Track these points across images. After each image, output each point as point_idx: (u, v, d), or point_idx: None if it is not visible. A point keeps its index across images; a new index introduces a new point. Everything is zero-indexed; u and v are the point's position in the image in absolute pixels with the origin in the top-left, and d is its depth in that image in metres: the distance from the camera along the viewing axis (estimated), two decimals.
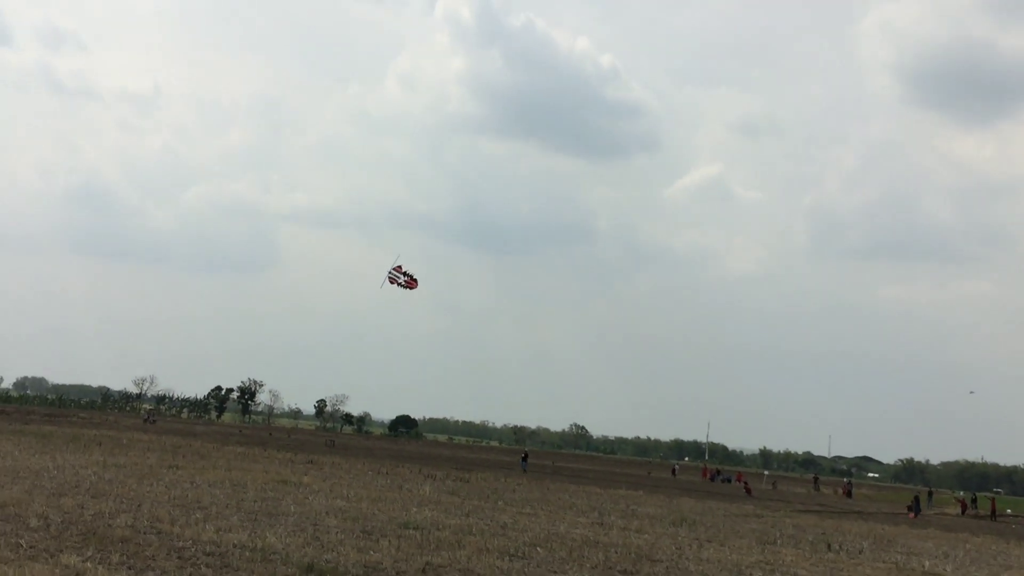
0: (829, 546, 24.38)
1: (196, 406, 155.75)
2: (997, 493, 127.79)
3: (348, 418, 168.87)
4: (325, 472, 34.21)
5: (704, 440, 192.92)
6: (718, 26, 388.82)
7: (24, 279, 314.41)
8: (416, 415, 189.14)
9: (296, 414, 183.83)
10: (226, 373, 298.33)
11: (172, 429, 71.22)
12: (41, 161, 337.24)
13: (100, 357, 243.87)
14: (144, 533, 14.61)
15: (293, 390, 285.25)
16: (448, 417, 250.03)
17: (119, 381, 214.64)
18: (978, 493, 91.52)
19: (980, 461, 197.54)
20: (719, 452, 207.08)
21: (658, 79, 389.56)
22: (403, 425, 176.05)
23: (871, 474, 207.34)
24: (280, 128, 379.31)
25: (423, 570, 13.65)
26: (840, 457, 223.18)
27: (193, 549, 13.50)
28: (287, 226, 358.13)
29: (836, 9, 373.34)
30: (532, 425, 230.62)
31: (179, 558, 12.77)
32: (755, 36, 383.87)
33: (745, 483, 71.21)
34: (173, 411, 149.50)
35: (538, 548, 17.35)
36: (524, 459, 63.69)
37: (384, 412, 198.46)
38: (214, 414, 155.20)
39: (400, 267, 46.10)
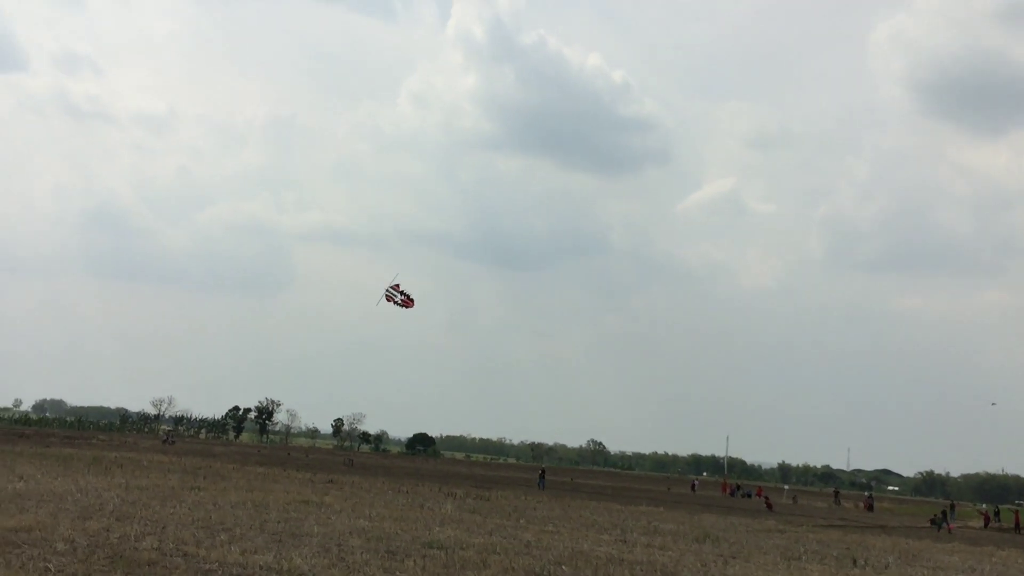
0: (855, 561, 24.17)
1: (214, 426, 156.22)
2: (1020, 505, 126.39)
3: (365, 437, 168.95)
4: (346, 492, 34.20)
5: (721, 455, 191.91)
6: (729, 40, 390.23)
7: (42, 302, 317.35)
8: (433, 433, 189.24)
9: (313, 433, 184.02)
10: (243, 393, 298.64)
11: (191, 450, 71.40)
12: (58, 184, 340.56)
13: (118, 378, 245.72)
14: (170, 556, 14.63)
15: (310, 409, 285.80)
16: (465, 434, 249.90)
17: (137, 402, 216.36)
18: (1000, 506, 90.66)
19: (1001, 473, 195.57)
20: (737, 466, 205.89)
21: (670, 93, 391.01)
22: (420, 443, 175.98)
23: (891, 487, 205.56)
24: (294, 147, 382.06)
25: None
26: (859, 470, 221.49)
27: (220, 572, 13.50)
28: (302, 245, 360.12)
29: (847, 21, 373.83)
30: (549, 441, 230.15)
31: None
32: (766, 49, 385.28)
33: (766, 498, 70.77)
34: (191, 432, 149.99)
35: (563, 567, 17.26)
36: (541, 477, 63.50)
37: (401, 430, 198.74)
38: (232, 434, 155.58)
39: (398, 286, 46.11)
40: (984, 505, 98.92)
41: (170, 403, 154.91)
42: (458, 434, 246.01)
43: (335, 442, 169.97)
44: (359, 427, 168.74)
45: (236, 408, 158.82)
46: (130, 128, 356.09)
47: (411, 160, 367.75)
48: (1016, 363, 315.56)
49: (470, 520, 26.15)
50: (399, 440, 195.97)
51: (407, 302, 46.03)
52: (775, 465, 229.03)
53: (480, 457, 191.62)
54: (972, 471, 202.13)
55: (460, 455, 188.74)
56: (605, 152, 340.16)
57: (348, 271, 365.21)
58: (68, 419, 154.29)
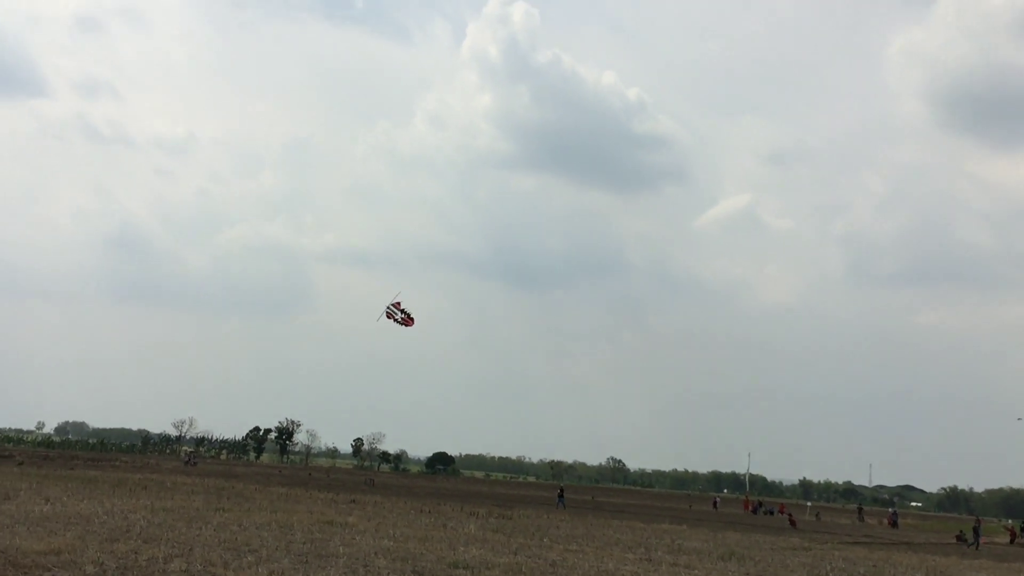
0: None
1: (234, 447, 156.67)
2: None
3: (385, 456, 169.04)
4: (368, 512, 34.23)
5: (742, 471, 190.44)
6: (744, 56, 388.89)
7: (63, 325, 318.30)
8: (452, 451, 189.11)
9: (333, 453, 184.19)
10: (263, 413, 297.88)
11: (213, 471, 71.64)
12: (79, 208, 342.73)
13: (139, 400, 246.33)
14: None
15: (329, 429, 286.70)
16: (484, 453, 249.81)
17: (158, 424, 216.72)
18: None
19: None
20: (758, 483, 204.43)
21: (685, 110, 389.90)
22: (440, 462, 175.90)
23: (914, 503, 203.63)
24: (311, 169, 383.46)
25: None
26: (882, 486, 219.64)
27: None
28: (320, 265, 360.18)
29: (862, 35, 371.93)
30: (568, 459, 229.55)
31: None
32: (781, 64, 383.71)
33: (789, 515, 70.29)
34: (212, 453, 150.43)
35: None
36: (560, 495, 63.26)
37: (420, 449, 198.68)
38: (252, 455, 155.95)
39: (399, 304, 46.18)
40: (1010, 521, 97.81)
41: (191, 424, 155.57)
42: (477, 453, 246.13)
43: (355, 462, 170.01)
44: (379, 446, 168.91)
45: (256, 429, 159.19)
46: (149, 152, 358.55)
47: (428, 180, 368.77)
48: None
49: (494, 539, 26.14)
50: (418, 459, 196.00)
51: (407, 320, 46.07)
52: (796, 481, 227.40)
53: (499, 476, 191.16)
54: (996, 486, 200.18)
55: (479, 474, 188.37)
56: (621, 169, 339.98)
57: (366, 291, 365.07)
58: (90, 441, 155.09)
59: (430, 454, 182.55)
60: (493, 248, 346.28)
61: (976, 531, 54.28)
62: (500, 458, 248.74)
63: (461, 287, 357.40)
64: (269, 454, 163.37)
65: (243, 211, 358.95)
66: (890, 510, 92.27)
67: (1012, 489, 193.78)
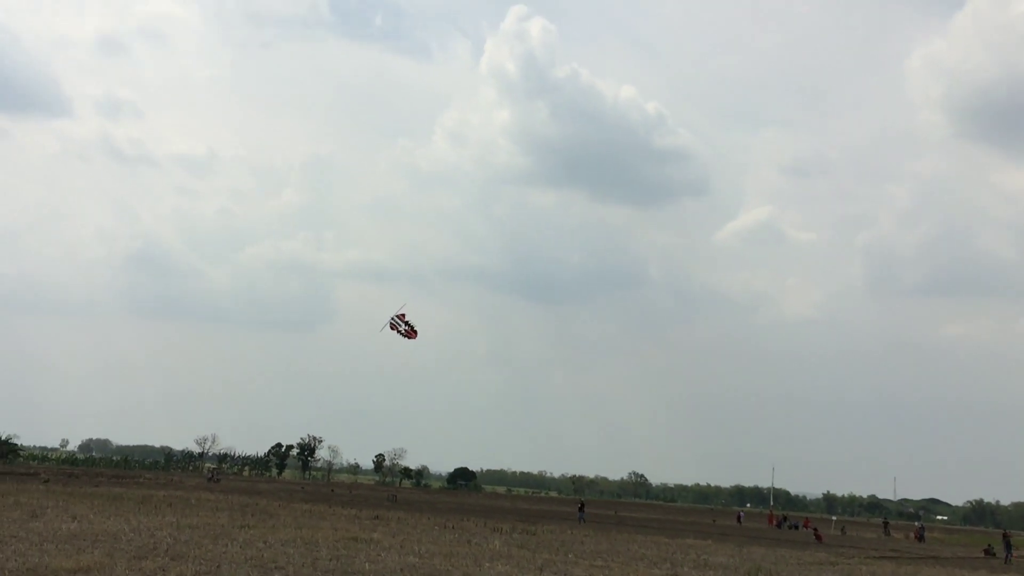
0: None
1: (257, 464, 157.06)
2: None
3: (407, 472, 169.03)
4: (392, 528, 34.23)
5: (765, 485, 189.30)
6: (762, 69, 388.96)
7: (87, 343, 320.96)
8: (473, 467, 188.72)
9: (355, 469, 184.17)
10: (284, 429, 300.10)
11: (236, 487, 71.83)
12: (102, 227, 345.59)
13: (162, 417, 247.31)
14: None
15: (350, 445, 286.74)
16: (505, 468, 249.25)
17: (181, 441, 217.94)
18: None
19: None
20: (781, 497, 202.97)
21: (705, 123, 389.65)
22: (462, 477, 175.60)
23: (939, 516, 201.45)
24: (332, 186, 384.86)
25: None
26: (906, 499, 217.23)
27: None
28: (341, 282, 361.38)
29: (882, 47, 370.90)
30: (590, 474, 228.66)
31: None
32: (801, 77, 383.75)
33: (815, 529, 69.68)
34: (234, 469, 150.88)
35: None
36: (581, 509, 62.96)
37: (441, 465, 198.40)
38: (275, 471, 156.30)
39: (403, 315, 46.17)
40: None
41: (213, 441, 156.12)
42: (498, 468, 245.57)
43: (376, 477, 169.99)
44: (400, 462, 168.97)
45: (279, 445, 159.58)
46: (172, 171, 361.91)
47: (447, 196, 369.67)
48: None
49: (519, 555, 26.06)
50: (440, 475, 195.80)
51: (410, 333, 46.00)
52: (819, 495, 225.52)
53: (521, 491, 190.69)
54: (1023, 499, 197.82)
55: (501, 489, 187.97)
56: (641, 184, 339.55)
57: (387, 307, 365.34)
58: (114, 458, 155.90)
59: (451, 469, 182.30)
60: (512, 263, 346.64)
61: (1007, 544, 53.51)
62: (521, 473, 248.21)
63: (481, 302, 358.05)
64: (291, 470, 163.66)
65: (264, 228, 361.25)
66: (917, 524, 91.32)
67: None
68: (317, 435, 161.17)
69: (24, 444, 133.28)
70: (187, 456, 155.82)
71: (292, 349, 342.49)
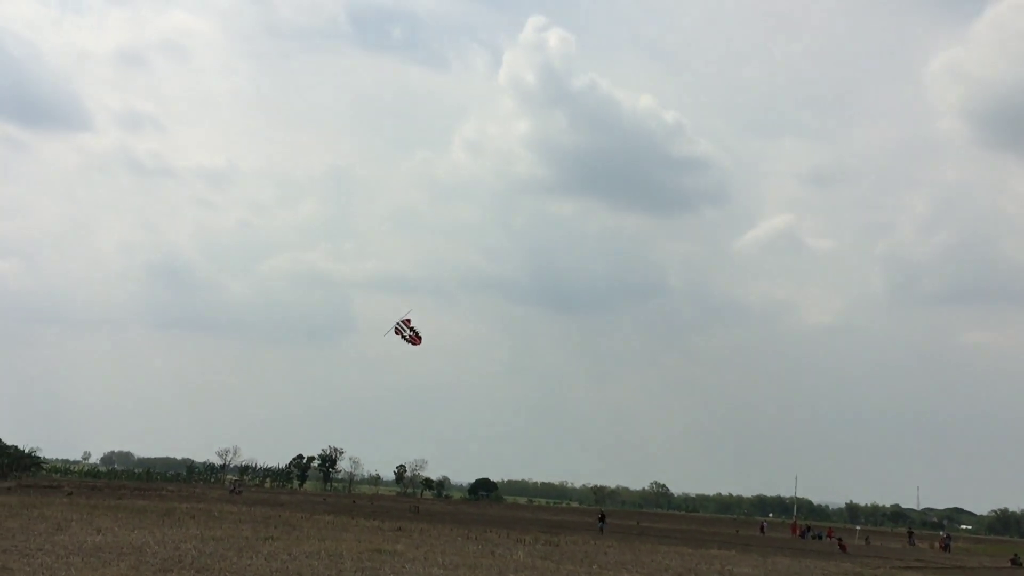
0: None
1: (278, 475, 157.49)
2: None
3: (428, 483, 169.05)
4: (415, 539, 34.14)
5: (787, 495, 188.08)
6: (781, 77, 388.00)
7: (108, 355, 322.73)
8: (494, 477, 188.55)
9: (376, 480, 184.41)
10: (305, 441, 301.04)
11: (258, 499, 71.98)
12: (123, 240, 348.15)
13: (183, 429, 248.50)
14: None
15: (371, 456, 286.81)
16: (526, 479, 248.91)
17: (202, 453, 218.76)
18: None
19: None
20: (804, 507, 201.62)
21: (723, 132, 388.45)
22: (483, 488, 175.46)
23: (963, 526, 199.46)
24: (351, 197, 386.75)
25: None
26: (930, 509, 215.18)
27: None
28: (361, 293, 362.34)
29: (901, 55, 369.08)
30: (611, 484, 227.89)
31: None
32: (820, 85, 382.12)
33: (839, 539, 69.12)
34: (256, 481, 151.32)
35: None
36: (601, 520, 62.69)
37: (462, 476, 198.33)
38: (296, 483, 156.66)
39: (408, 321, 46.09)
40: None
41: (235, 453, 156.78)
42: (519, 478, 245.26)
43: (398, 489, 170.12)
44: (421, 473, 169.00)
45: (300, 456, 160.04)
46: (192, 183, 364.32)
47: (467, 207, 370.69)
48: None
49: (543, 567, 25.94)
50: (461, 485, 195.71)
51: (415, 339, 45.91)
52: (842, 505, 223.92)
53: (542, 501, 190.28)
54: None
55: (522, 499, 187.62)
56: (660, 193, 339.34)
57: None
58: (136, 471, 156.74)
59: (472, 480, 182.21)
60: (532, 273, 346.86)
61: None
62: (542, 483, 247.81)
63: (501, 312, 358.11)
64: (312, 482, 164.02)
65: (284, 240, 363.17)
66: (942, 533, 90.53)
67: None
68: (338, 446, 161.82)
69: (47, 457, 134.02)
70: (209, 468, 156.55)
71: (312, 360, 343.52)
